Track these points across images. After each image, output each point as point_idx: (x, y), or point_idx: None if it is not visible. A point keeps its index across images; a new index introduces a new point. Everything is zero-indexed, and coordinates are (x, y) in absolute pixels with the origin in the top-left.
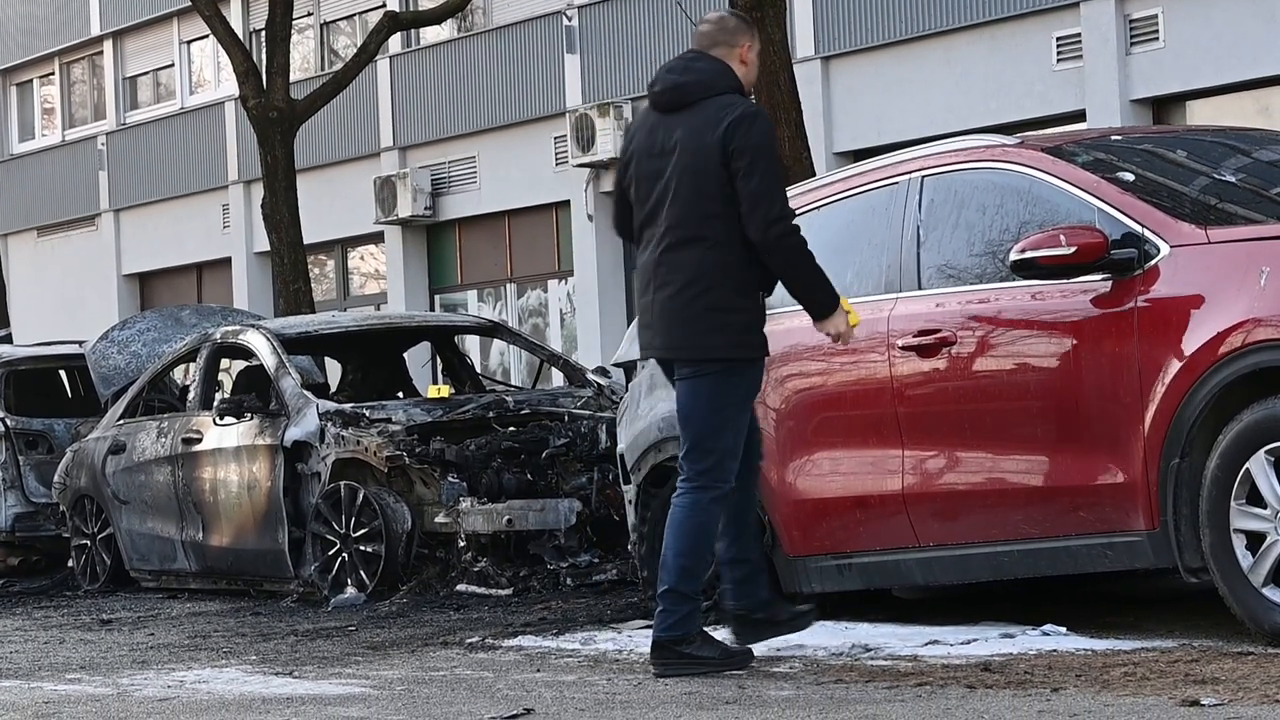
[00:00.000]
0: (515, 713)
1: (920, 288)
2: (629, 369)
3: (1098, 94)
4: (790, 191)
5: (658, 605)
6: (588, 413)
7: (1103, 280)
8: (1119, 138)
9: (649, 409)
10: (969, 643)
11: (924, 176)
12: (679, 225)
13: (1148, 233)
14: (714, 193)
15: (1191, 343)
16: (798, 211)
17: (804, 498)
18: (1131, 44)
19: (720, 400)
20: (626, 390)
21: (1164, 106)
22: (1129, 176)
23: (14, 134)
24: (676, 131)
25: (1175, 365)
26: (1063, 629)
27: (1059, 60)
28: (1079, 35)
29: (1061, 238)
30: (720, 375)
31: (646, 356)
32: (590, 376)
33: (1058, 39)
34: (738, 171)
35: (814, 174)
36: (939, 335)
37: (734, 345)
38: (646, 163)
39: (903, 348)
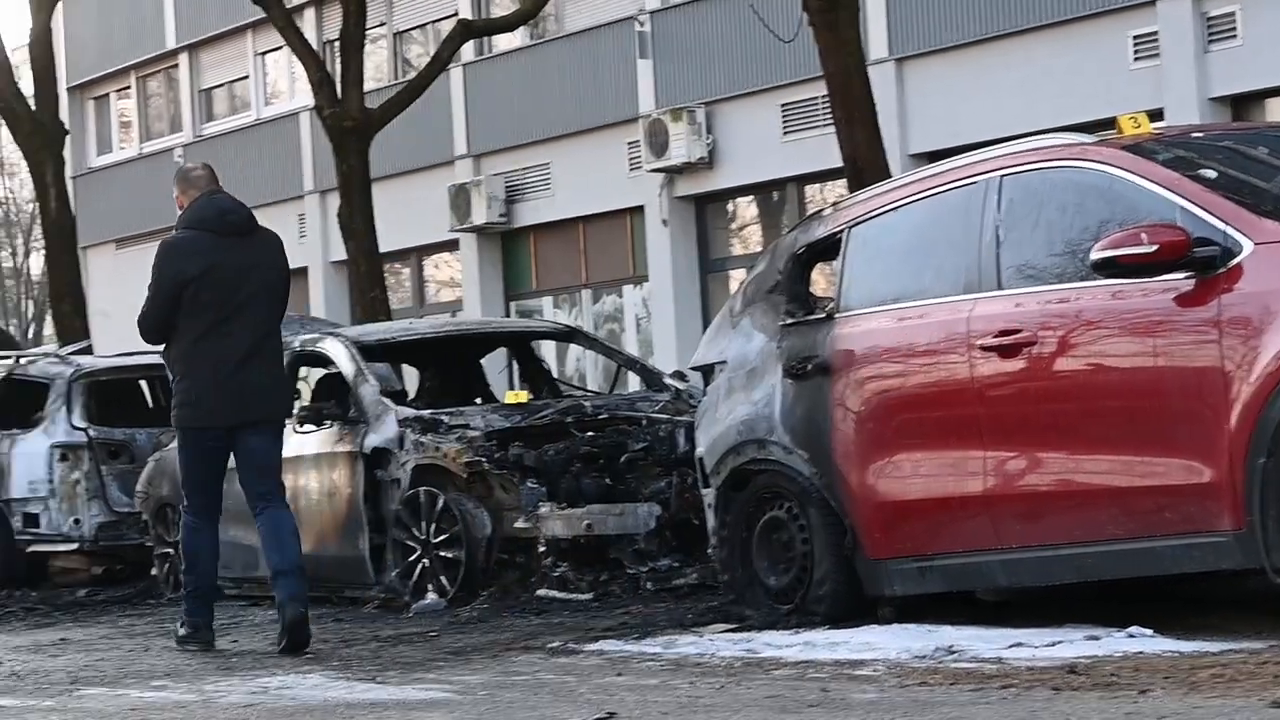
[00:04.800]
0: (599, 716)
1: (1000, 288)
2: (707, 372)
3: (1175, 93)
4: (867, 193)
5: None
6: (666, 416)
7: (1185, 279)
8: (1200, 135)
9: (728, 412)
10: (1054, 644)
11: (1003, 176)
12: None
13: (1230, 230)
14: None
15: (1277, 339)
16: (875, 213)
17: (885, 500)
18: (1209, 41)
19: None
20: (705, 394)
21: (1243, 104)
22: (1210, 174)
23: (92, 148)
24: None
25: (1260, 363)
26: (1148, 630)
27: (1135, 59)
28: (1156, 34)
29: (1143, 236)
30: None
31: None
32: (668, 380)
33: (1134, 38)
34: None
35: (889, 176)
36: (1020, 335)
37: None
38: None
39: (983, 348)
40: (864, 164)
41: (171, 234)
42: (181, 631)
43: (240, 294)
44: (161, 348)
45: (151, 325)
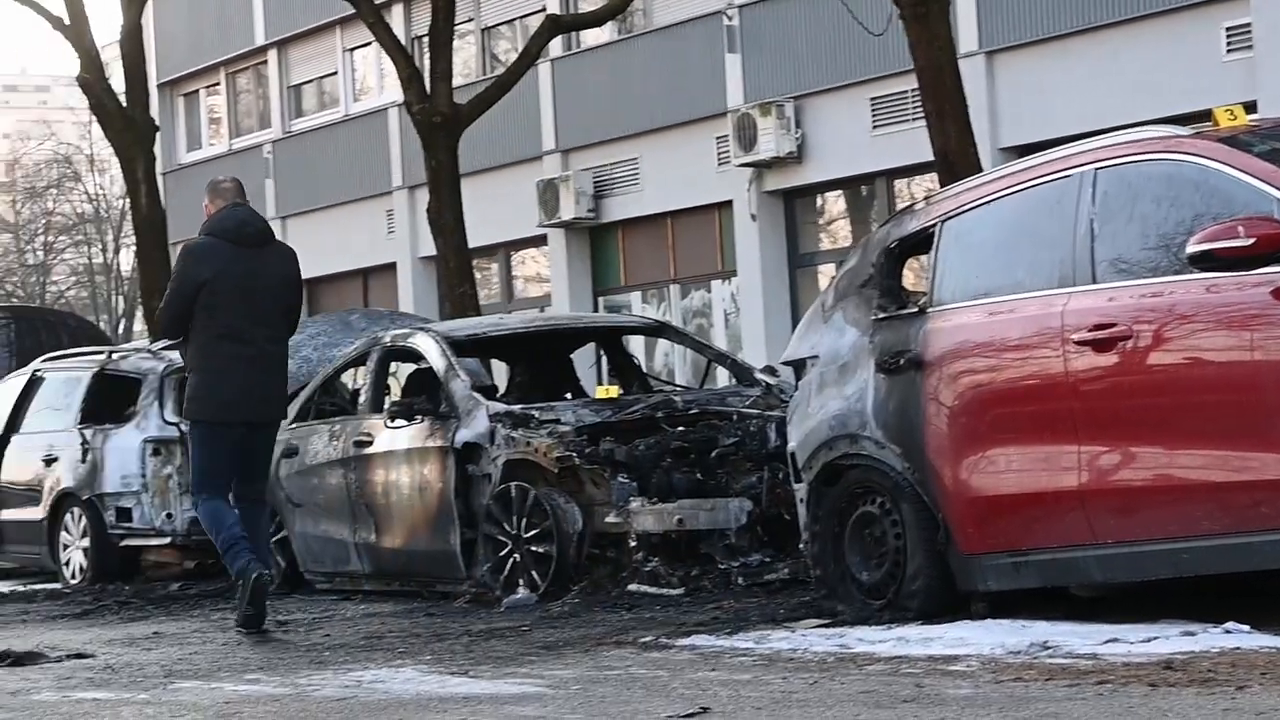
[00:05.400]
0: (692, 711)
1: (1095, 281)
2: (798, 367)
3: (1270, 85)
4: (960, 187)
5: None
6: (757, 411)
7: None
8: None
9: (820, 407)
10: (1149, 640)
11: (1097, 169)
12: None
13: None
14: None
15: None
16: (968, 206)
17: (978, 495)
18: None
19: None
20: (796, 389)
21: None
22: None
23: (182, 144)
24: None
25: None
26: (1245, 626)
27: (1229, 51)
28: (1249, 25)
29: (1239, 229)
30: None
31: None
32: (758, 375)
33: (1227, 29)
34: None
35: (980, 170)
36: (1114, 329)
37: None
38: None
39: (1077, 342)
40: (955, 158)
41: (194, 239)
42: (239, 591)
43: (250, 300)
44: (174, 343)
45: (167, 322)
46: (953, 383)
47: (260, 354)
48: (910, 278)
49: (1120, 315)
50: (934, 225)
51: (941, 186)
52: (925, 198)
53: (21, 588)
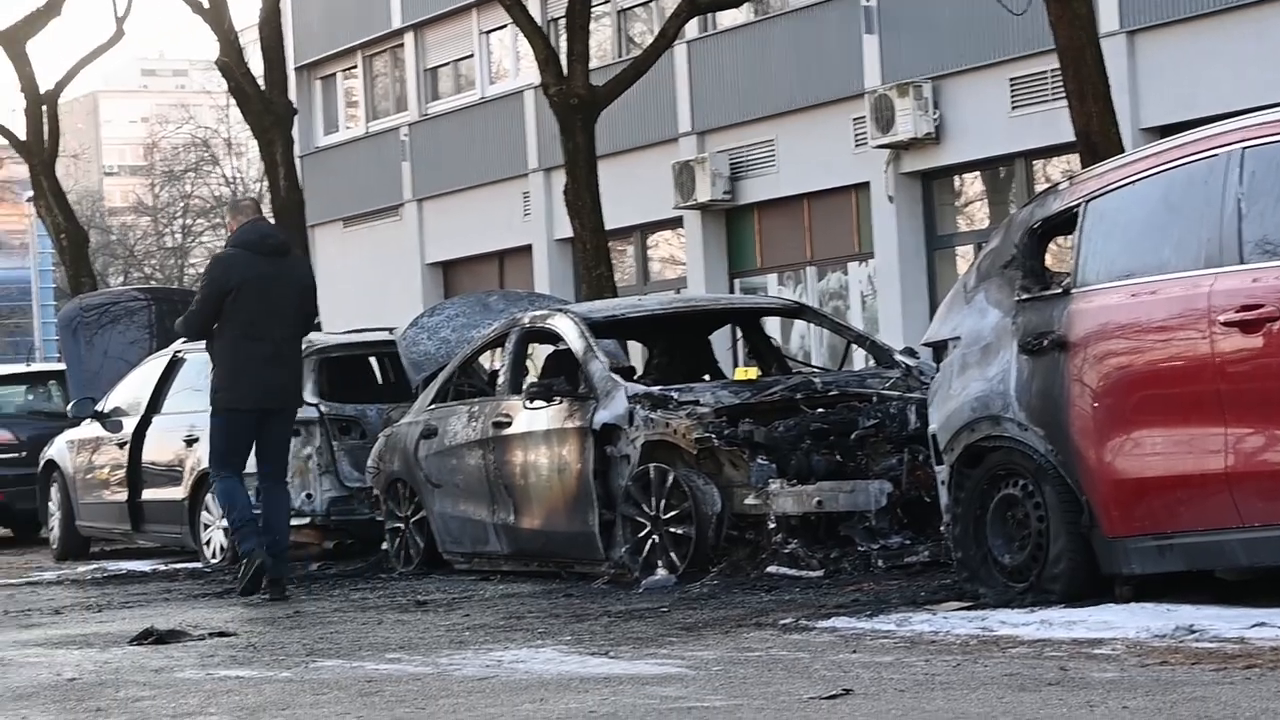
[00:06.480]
0: (834, 693)
1: (1241, 262)
2: (939, 349)
3: None
4: (1104, 166)
5: None
6: (896, 393)
7: None
8: None
9: (961, 389)
10: None
11: (1245, 148)
12: None
13: None
14: None
15: None
16: (1112, 186)
17: (1123, 477)
18: None
19: None
20: (937, 370)
21: None
22: None
23: (319, 127)
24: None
25: None
26: None
27: None
28: None
29: None
30: None
31: None
32: (898, 357)
33: None
34: None
35: (1122, 150)
36: (1262, 310)
37: None
38: None
39: (1224, 323)
40: (1097, 138)
41: (221, 251)
42: (242, 567)
43: (269, 302)
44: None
45: (195, 325)
46: (1097, 364)
47: (276, 350)
48: (1049, 259)
49: (1268, 296)
50: (1078, 205)
51: (1083, 167)
52: (1069, 177)
53: (163, 567)
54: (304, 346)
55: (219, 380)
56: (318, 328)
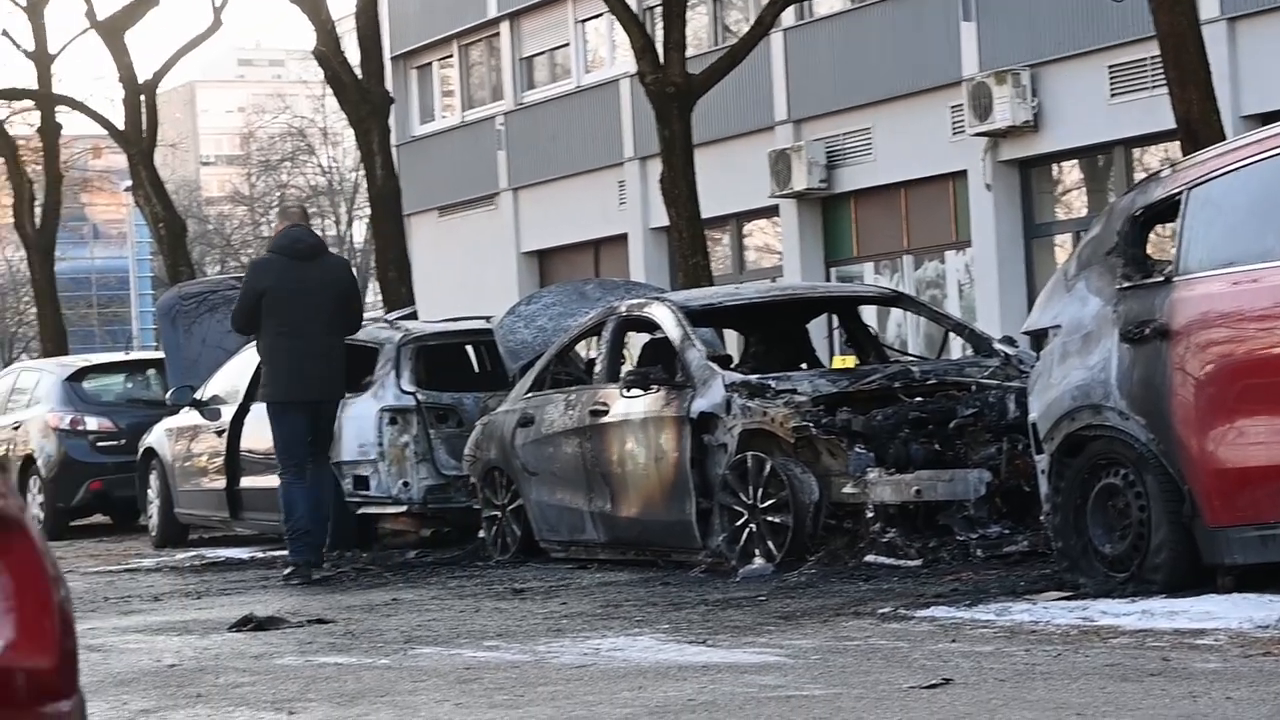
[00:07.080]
0: (935, 682)
1: None
2: (1039, 337)
3: None
4: (1207, 153)
5: None
6: (995, 382)
7: None
8: None
9: (1062, 377)
10: None
11: None
12: None
13: None
14: None
15: None
16: (1215, 174)
17: (1225, 467)
18: None
19: None
20: (1038, 358)
21: None
22: None
23: (415, 116)
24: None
25: None
26: None
27: None
28: None
29: None
30: None
31: None
32: (997, 346)
33: None
34: None
35: (1223, 138)
36: None
37: None
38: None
39: None
40: (1197, 126)
41: (259, 255)
42: (286, 571)
43: (305, 302)
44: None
45: (238, 321)
46: (1200, 352)
47: (314, 346)
48: (1149, 247)
49: None
50: (1180, 193)
51: (1184, 155)
52: (1171, 165)
53: (261, 554)
54: (401, 336)
55: (265, 376)
56: (414, 315)
